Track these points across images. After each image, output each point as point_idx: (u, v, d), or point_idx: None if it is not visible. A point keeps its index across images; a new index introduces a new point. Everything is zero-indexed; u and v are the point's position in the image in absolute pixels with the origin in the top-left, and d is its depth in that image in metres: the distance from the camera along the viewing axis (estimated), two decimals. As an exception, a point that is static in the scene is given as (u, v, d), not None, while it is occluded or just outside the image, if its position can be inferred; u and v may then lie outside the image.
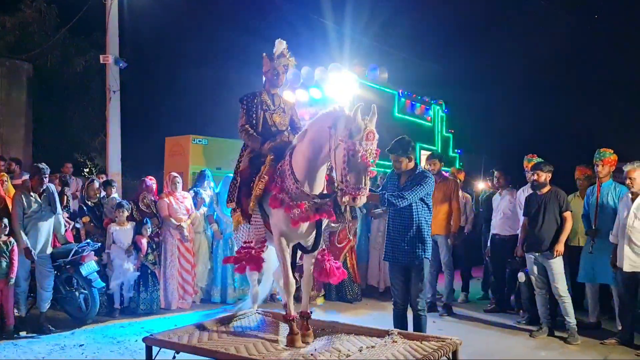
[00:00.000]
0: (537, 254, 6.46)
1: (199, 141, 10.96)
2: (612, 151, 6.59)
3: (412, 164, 5.31)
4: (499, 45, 15.63)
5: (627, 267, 5.87)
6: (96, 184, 8.12)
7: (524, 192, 7.27)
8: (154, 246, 7.72)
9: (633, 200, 5.89)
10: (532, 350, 6.00)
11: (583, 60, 14.69)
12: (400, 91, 9.96)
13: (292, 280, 4.64)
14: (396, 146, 5.27)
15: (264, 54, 5.04)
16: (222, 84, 16.05)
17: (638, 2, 14.74)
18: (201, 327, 5.05)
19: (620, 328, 6.21)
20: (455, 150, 12.81)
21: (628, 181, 5.89)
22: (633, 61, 14.40)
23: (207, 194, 8.45)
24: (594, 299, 6.81)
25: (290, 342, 4.55)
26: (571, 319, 6.32)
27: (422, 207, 5.24)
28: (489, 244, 7.89)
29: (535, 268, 6.51)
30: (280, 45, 5.03)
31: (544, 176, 6.51)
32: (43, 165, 6.76)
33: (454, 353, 4.50)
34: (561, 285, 6.35)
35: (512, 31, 15.60)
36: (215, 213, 8.19)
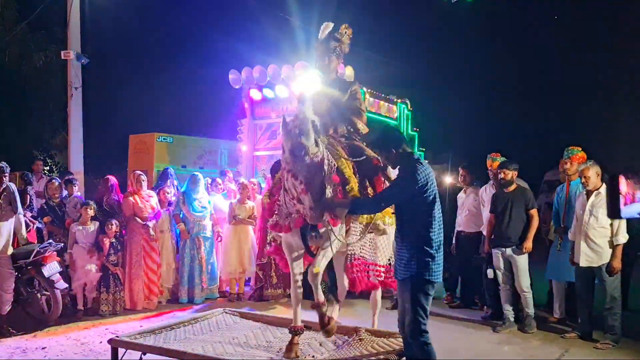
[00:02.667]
0: (503, 249, 6.63)
1: (164, 139, 10.80)
2: (580, 149, 6.66)
3: None
4: (465, 45, 15.92)
5: (583, 263, 6.07)
6: (56, 183, 7.94)
7: (487, 191, 7.44)
8: (119, 247, 7.60)
9: (588, 197, 6.08)
10: (496, 345, 6.14)
11: (545, 60, 15.09)
12: (365, 89, 10.00)
13: (296, 292, 4.60)
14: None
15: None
16: (187, 81, 15.88)
17: (597, 2, 15.16)
18: (168, 328, 5.03)
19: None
20: (420, 149, 12.97)
21: (583, 179, 6.08)
22: (593, 61, 14.86)
23: (171, 192, 8.38)
24: (559, 296, 6.99)
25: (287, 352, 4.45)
26: (530, 310, 6.58)
27: None
28: (454, 241, 8.02)
29: (501, 264, 6.69)
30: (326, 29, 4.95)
31: (510, 174, 6.70)
32: (3, 164, 6.59)
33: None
34: (524, 281, 6.58)
35: (476, 32, 15.90)
36: (181, 212, 8.11)
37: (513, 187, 6.75)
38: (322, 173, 3.99)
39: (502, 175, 6.75)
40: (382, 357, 4.24)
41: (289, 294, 8.06)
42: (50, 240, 7.20)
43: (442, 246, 4.06)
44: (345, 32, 5.00)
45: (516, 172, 6.76)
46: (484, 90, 16.04)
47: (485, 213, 7.27)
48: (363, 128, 5.02)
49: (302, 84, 9.04)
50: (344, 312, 7.39)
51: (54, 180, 8.07)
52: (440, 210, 4.09)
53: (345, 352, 4.49)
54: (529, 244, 6.52)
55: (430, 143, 12.66)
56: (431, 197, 3.99)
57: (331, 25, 4.93)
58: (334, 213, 4.14)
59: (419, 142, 12.88)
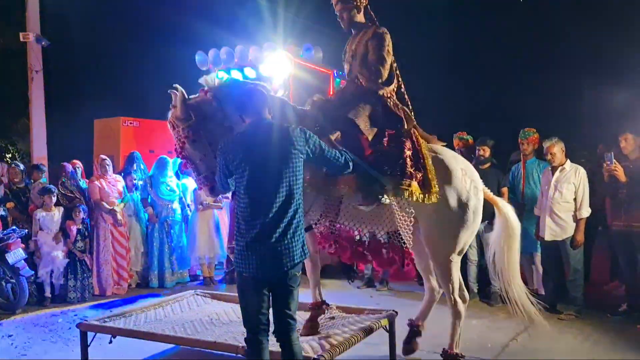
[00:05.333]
0: None
1: (130, 123, 10.60)
2: (535, 130, 6.94)
3: None
4: (428, 26, 15.95)
5: (548, 237, 6.23)
6: (18, 169, 7.74)
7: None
8: (86, 233, 7.48)
9: (553, 173, 6.22)
10: (464, 319, 6.25)
11: (508, 40, 15.25)
12: (335, 71, 9.97)
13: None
14: None
15: None
16: (153, 63, 15.56)
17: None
18: (139, 311, 5.00)
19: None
20: (389, 130, 13.01)
21: (549, 156, 6.22)
22: (556, 41, 15.08)
23: (137, 177, 8.28)
24: (528, 269, 7.14)
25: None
26: (496, 283, 6.66)
27: None
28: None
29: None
30: None
31: (489, 151, 6.83)
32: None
33: (390, 324, 4.67)
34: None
35: (439, 11, 15.95)
36: (149, 196, 8.01)
37: (488, 164, 6.89)
38: None
39: (481, 152, 6.88)
40: (353, 332, 4.27)
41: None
42: (14, 227, 7.04)
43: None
44: None
45: (491, 149, 6.93)
46: (448, 70, 16.17)
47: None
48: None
49: (269, 65, 8.98)
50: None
51: (14, 166, 7.87)
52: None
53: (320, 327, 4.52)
54: None
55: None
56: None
57: None
58: None
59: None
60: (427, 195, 4.19)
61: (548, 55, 15.52)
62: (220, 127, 4.08)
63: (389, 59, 4.53)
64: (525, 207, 6.75)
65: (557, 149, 6.16)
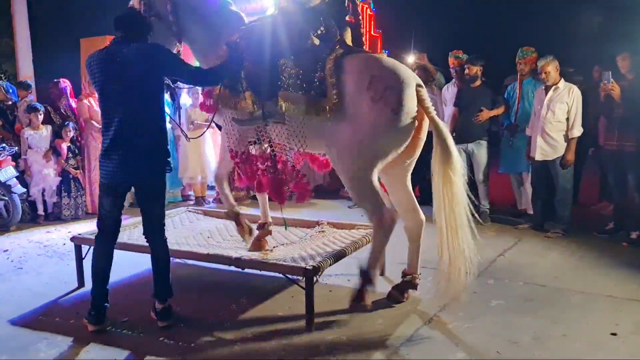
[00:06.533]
0: (466, 144, 6.77)
1: (118, 41, 10.30)
2: (534, 49, 6.80)
3: None
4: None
5: (538, 157, 6.25)
6: (4, 87, 7.57)
7: (449, 89, 7.45)
8: (77, 151, 7.44)
9: (547, 93, 6.16)
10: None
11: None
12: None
13: None
14: None
15: None
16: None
17: None
18: (132, 226, 5.04)
19: (531, 213, 6.72)
20: (383, 51, 12.78)
21: (543, 75, 6.13)
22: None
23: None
24: (518, 189, 7.21)
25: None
26: (485, 203, 6.89)
27: None
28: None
29: (463, 157, 6.84)
30: None
31: (475, 69, 6.76)
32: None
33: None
34: (483, 174, 6.83)
35: None
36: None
37: (478, 82, 6.83)
38: None
39: (467, 71, 6.80)
40: (344, 245, 4.35)
41: (253, 195, 8.23)
42: (4, 145, 6.98)
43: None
44: None
45: (481, 68, 6.80)
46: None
47: (448, 110, 7.32)
48: None
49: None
50: (305, 209, 7.61)
51: (2, 84, 7.70)
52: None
53: (308, 242, 4.60)
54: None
55: (393, 44, 12.46)
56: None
57: None
58: None
59: (382, 43, 12.69)
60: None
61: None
62: (163, 31, 4.27)
63: None
64: (519, 127, 6.75)
65: (551, 67, 6.07)
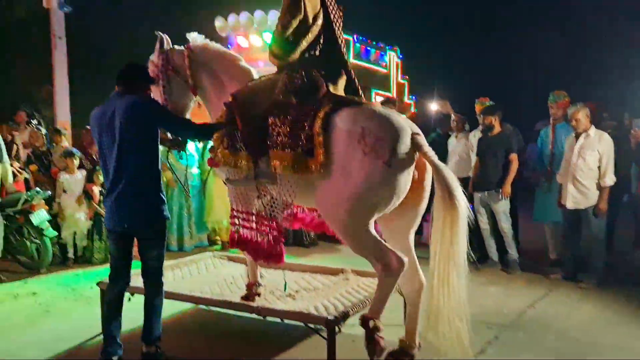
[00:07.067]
0: (484, 192, 6.70)
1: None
2: (566, 94, 6.76)
3: None
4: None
5: (570, 205, 6.12)
6: (41, 132, 7.85)
7: (475, 135, 7.43)
8: (107, 195, 7.59)
9: (577, 139, 6.08)
10: (481, 285, 6.22)
11: (535, 8, 14.88)
12: (355, 36, 9.84)
13: None
14: None
15: None
16: (174, 29, 15.45)
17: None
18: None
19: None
20: (410, 97, 12.87)
21: (573, 122, 6.08)
22: (579, 11, 14.67)
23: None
24: (552, 238, 7.05)
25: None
26: (513, 251, 6.73)
27: None
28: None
29: (481, 207, 6.77)
30: None
31: (491, 119, 6.75)
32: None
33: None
34: (505, 223, 6.69)
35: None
36: (167, 160, 8.04)
37: (496, 131, 6.82)
38: None
39: (483, 121, 6.82)
40: (368, 294, 4.28)
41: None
42: (37, 188, 7.17)
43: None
44: None
45: (499, 117, 6.80)
46: (474, 37, 15.83)
47: (474, 157, 7.29)
48: None
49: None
50: (329, 255, 7.58)
51: (38, 130, 7.99)
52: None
53: (331, 290, 4.54)
54: (507, 188, 6.59)
55: (420, 91, 12.56)
56: None
57: None
58: None
59: (409, 89, 12.79)
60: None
61: (573, 24, 15.11)
62: (181, 84, 4.39)
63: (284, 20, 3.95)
64: (554, 174, 6.63)
65: (581, 114, 6.01)
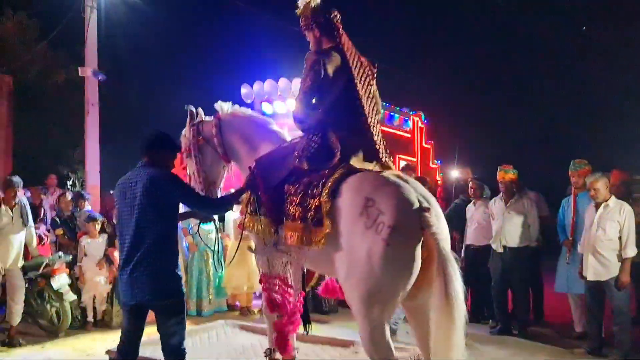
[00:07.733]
0: None
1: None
2: (587, 162, 6.70)
3: None
4: (478, 58, 15.85)
5: (590, 277, 5.95)
6: (68, 197, 8.11)
7: (496, 203, 7.34)
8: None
9: (597, 210, 5.97)
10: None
11: (561, 73, 14.95)
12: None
13: None
14: None
15: None
16: (202, 96, 16.03)
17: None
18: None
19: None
20: (435, 161, 12.91)
21: (592, 192, 5.98)
22: (608, 77, 14.67)
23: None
24: (578, 310, 6.83)
25: None
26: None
27: None
28: (462, 254, 7.88)
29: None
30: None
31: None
32: (16, 179, 6.76)
33: (416, 363, 4.51)
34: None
35: (490, 45, 15.84)
36: (189, 225, 8.17)
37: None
38: None
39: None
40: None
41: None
42: (60, 253, 7.33)
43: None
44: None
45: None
46: (498, 102, 15.94)
47: (495, 225, 7.18)
48: None
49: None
50: (348, 323, 7.42)
51: (66, 194, 8.25)
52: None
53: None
54: None
55: (444, 155, 12.59)
56: None
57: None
58: None
59: (434, 154, 12.84)
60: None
61: (598, 90, 15.11)
62: (212, 153, 4.49)
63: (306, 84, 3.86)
64: (576, 244, 6.51)
65: (600, 184, 5.92)
